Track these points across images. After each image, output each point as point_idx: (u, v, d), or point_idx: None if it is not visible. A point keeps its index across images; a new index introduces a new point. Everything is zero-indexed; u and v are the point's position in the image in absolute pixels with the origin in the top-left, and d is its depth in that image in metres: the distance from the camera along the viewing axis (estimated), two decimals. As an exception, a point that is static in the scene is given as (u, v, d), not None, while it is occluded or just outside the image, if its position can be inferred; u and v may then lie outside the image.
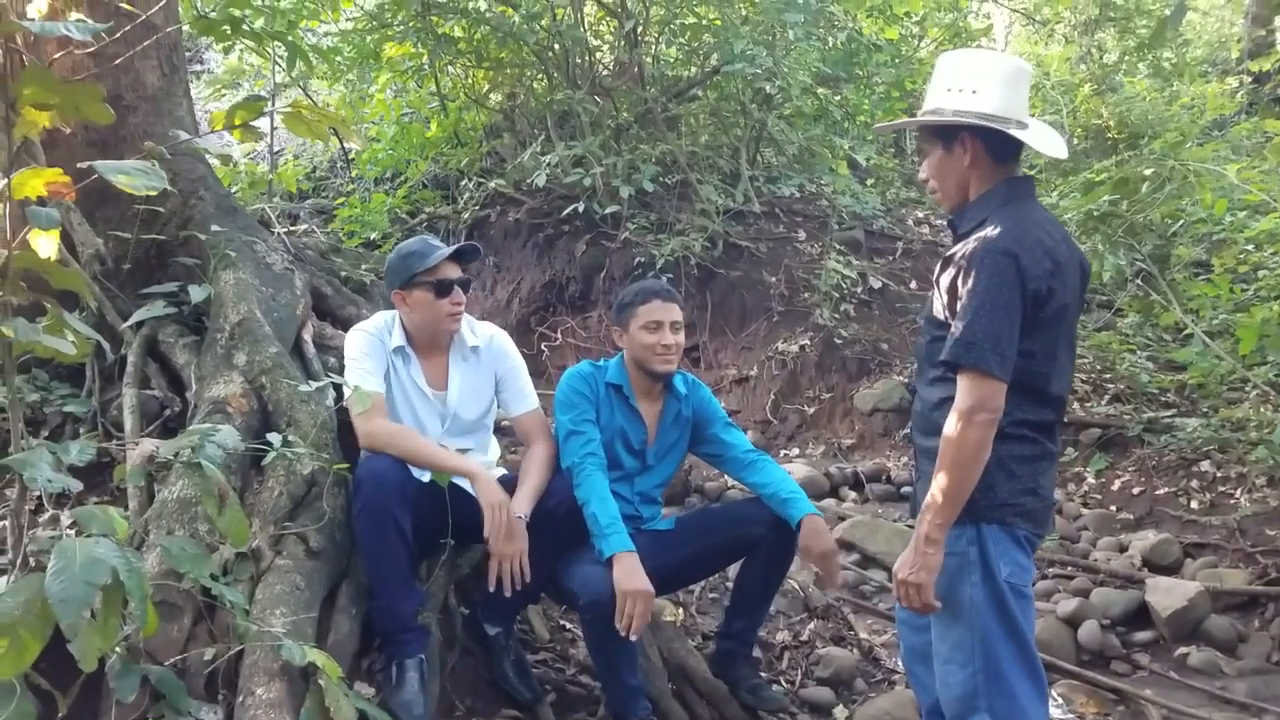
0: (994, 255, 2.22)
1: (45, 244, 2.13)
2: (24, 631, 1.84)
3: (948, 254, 2.39)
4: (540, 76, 8.95)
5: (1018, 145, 2.37)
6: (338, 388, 3.15)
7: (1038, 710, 2.34)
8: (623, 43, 8.64)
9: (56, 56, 3.40)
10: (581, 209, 7.76)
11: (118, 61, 3.39)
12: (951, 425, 2.24)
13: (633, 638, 2.89)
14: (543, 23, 8.27)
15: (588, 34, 8.74)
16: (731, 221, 7.95)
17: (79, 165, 2.07)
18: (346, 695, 2.43)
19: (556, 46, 8.48)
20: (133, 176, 2.09)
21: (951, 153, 2.40)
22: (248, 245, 3.70)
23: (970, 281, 2.24)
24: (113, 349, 3.33)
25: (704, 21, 8.47)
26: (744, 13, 8.39)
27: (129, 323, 3.41)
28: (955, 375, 2.27)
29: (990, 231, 2.27)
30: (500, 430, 3.70)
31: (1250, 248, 6.13)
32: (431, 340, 3.23)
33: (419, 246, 3.18)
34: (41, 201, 2.10)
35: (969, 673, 2.33)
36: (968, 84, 2.36)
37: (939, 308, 2.38)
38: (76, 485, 2.24)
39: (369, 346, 3.15)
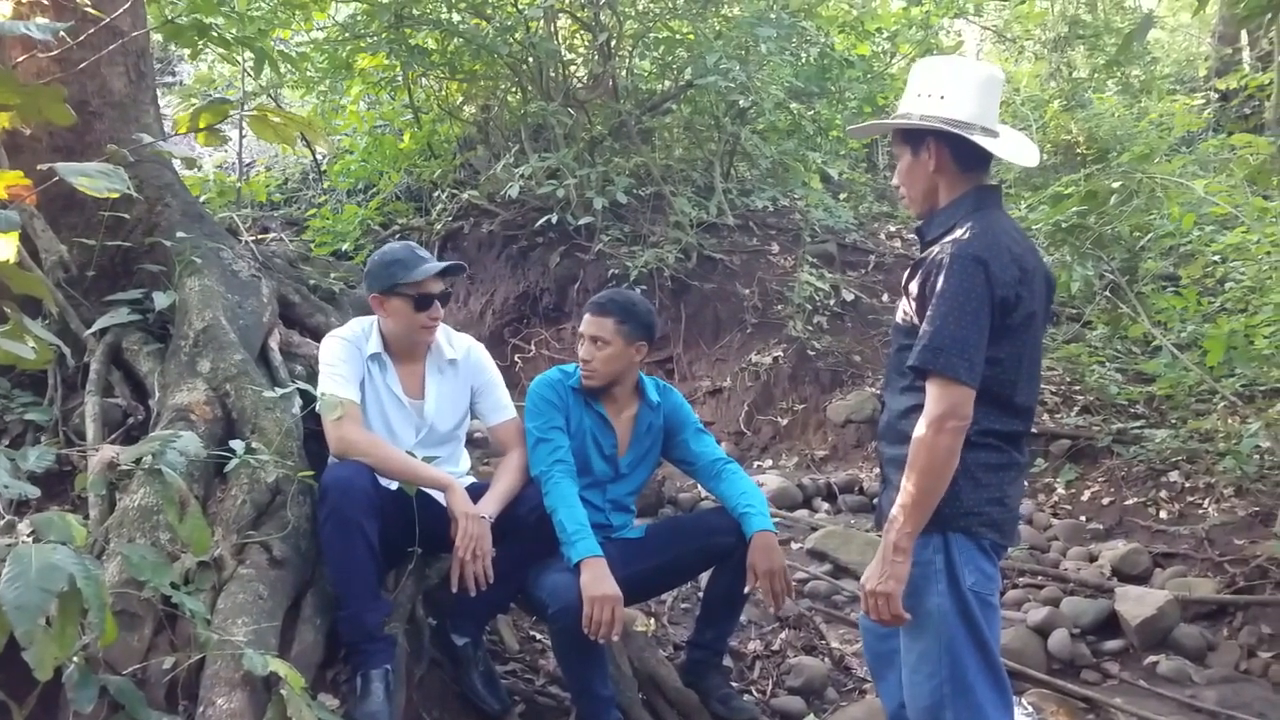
0: (963, 261, 2.21)
1: (4, 246, 2.09)
2: (-24, 639, 1.81)
3: (916, 260, 2.38)
4: (514, 89, 8.95)
5: (987, 153, 2.35)
6: (304, 395, 3.12)
7: (1003, 720, 2.34)
8: (596, 56, 8.67)
9: (20, 60, 3.38)
10: (555, 221, 7.75)
11: (83, 66, 3.35)
12: (921, 432, 2.21)
13: (601, 642, 2.87)
14: (516, 35, 8.28)
15: (561, 47, 8.75)
16: (705, 234, 7.97)
17: (40, 168, 2.04)
18: (310, 706, 2.40)
19: (530, 59, 8.48)
20: (94, 179, 2.06)
21: (918, 158, 2.40)
22: (214, 252, 3.67)
23: (939, 287, 2.23)
24: (75, 356, 3.29)
25: (677, 35, 8.50)
26: (717, 27, 8.43)
27: (92, 330, 3.37)
28: (923, 383, 2.25)
29: (960, 236, 2.27)
30: (473, 442, 3.67)
31: (1217, 260, 6.19)
32: (408, 349, 3.20)
33: (405, 255, 3.12)
34: (2, 205, 2.07)
35: (935, 684, 2.31)
36: (937, 89, 2.36)
37: (907, 315, 2.38)
38: (34, 491, 2.21)
39: (345, 353, 3.11)
